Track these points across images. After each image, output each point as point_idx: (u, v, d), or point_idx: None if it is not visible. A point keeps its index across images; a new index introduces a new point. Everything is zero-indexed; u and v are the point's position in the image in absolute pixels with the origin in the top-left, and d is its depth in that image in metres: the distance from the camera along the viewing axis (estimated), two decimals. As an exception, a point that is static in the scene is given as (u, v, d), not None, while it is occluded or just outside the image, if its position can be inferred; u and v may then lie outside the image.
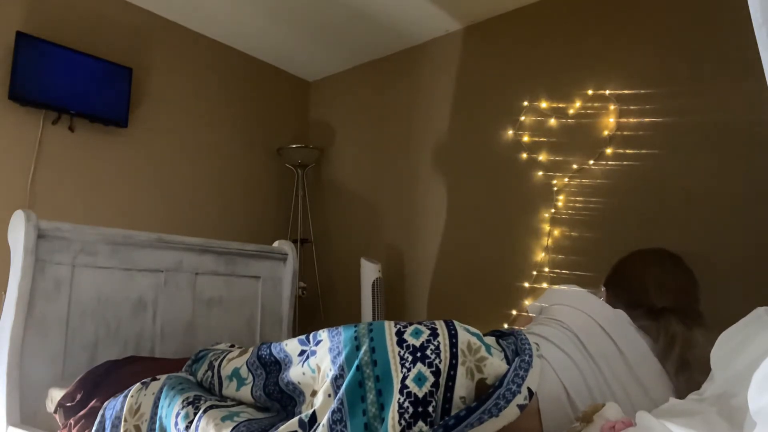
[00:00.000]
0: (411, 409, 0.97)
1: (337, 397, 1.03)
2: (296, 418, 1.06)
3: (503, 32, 2.90)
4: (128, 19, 2.86)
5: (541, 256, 2.60)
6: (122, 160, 2.77)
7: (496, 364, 1.05)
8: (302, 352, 1.20)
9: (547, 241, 2.59)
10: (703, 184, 2.20)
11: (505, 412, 0.95)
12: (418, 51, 3.26)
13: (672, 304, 1.26)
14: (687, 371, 1.13)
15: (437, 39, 3.18)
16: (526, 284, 2.61)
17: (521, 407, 0.96)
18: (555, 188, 2.60)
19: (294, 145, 3.43)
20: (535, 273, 2.60)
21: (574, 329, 1.19)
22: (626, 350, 1.15)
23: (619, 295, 1.35)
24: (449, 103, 3.06)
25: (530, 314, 1.44)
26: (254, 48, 3.40)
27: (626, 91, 2.44)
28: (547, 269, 2.56)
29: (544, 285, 2.56)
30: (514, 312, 2.60)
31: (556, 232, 2.57)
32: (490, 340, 1.13)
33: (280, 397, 1.22)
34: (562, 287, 1.41)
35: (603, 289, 1.43)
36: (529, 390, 0.99)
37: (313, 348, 1.17)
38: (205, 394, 1.28)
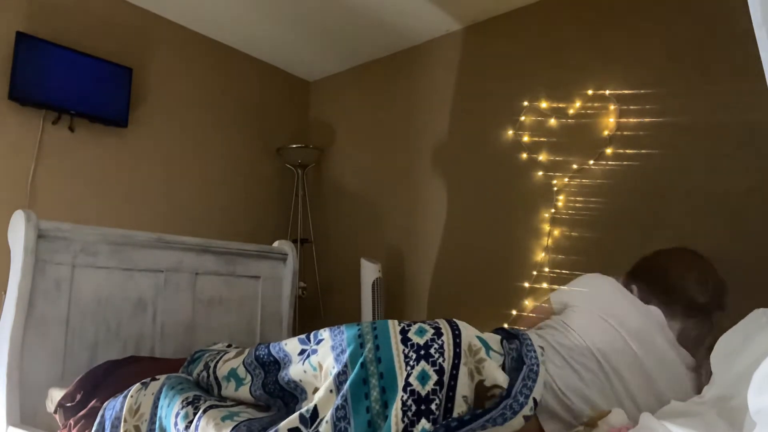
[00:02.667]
0: (414, 407, 0.97)
1: (341, 394, 1.03)
2: (297, 414, 1.06)
3: (503, 32, 2.90)
4: (128, 19, 2.86)
5: (541, 256, 2.60)
6: (122, 160, 2.77)
7: (492, 367, 1.06)
8: (303, 351, 1.20)
9: (547, 241, 2.59)
10: (703, 184, 2.20)
11: (510, 422, 0.96)
12: (418, 51, 3.26)
13: (710, 301, 1.27)
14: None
15: (437, 39, 3.18)
16: (526, 284, 2.61)
17: (527, 418, 0.98)
18: (555, 188, 2.60)
19: (294, 145, 3.43)
20: (535, 273, 2.60)
21: (590, 345, 1.17)
22: (647, 360, 1.14)
23: (654, 292, 1.33)
24: (449, 103, 3.06)
25: (552, 303, 1.42)
26: (254, 48, 3.40)
27: (626, 91, 2.44)
28: (547, 269, 2.56)
29: (544, 285, 2.56)
30: (514, 312, 2.60)
31: (556, 232, 2.57)
32: (494, 340, 1.14)
33: (282, 394, 1.22)
34: (598, 281, 1.36)
35: (634, 287, 1.39)
36: (534, 400, 1.00)
37: (314, 347, 1.17)
38: (204, 394, 1.28)
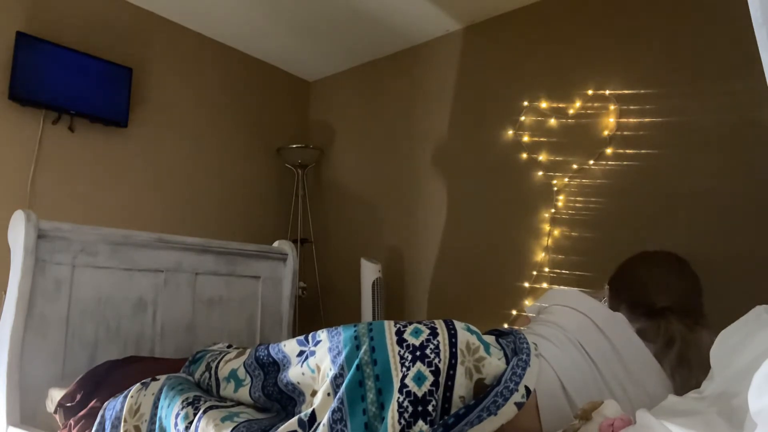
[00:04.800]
0: (411, 408, 0.97)
1: (337, 397, 1.03)
2: (295, 418, 1.06)
3: (503, 32, 2.90)
4: (128, 19, 2.86)
5: (541, 256, 2.60)
6: (122, 160, 2.77)
7: (494, 364, 1.06)
8: (301, 353, 1.20)
9: (547, 241, 2.59)
10: (703, 184, 2.20)
11: (503, 410, 0.96)
12: (418, 51, 3.26)
13: (673, 304, 1.25)
14: (685, 371, 1.13)
15: (437, 39, 3.18)
16: (526, 284, 2.61)
17: (519, 405, 0.97)
18: (555, 188, 2.60)
19: (294, 145, 3.43)
20: (535, 273, 2.60)
21: (572, 330, 1.19)
22: (622, 350, 1.15)
23: (621, 294, 1.35)
24: (449, 103, 3.06)
25: (529, 315, 1.44)
26: (254, 48, 3.40)
27: (626, 91, 2.44)
28: (547, 269, 2.56)
29: (544, 285, 2.56)
30: (514, 312, 2.60)
31: (556, 232, 2.57)
32: (490, 338, 1.14)
33: (280, 398, 1.22)
34: (562, 288, 1.41)
35: (606, 287, 1.43)
36: (527, 388, 1.00)
37: (312, 348, 1.17)
38: (204, 394, 1.28)
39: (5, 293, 1.67)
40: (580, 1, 2.64)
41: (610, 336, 1.17)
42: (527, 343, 1.10)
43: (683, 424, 0.69)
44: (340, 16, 2.97)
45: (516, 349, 1.10)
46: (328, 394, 1.06)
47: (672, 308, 1.24)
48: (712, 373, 0.88)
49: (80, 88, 2.56)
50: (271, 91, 3.58)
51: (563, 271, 2.51)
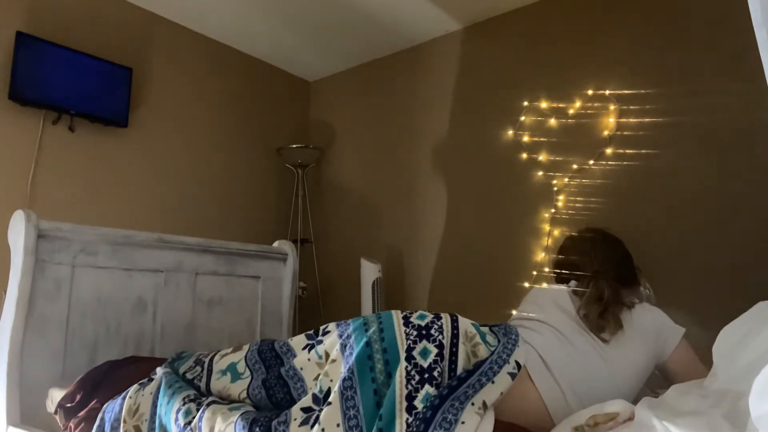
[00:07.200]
0: (417, 376, 1.03)
1: (347, 367, 1.08)
2: (310, 394, 1.10)
3: (503, 32, 2.90)
4: (128, 19, 2.86)
5: (541, 256, 2.60)
6: (122, 160, 2.77)
7: (487, 352, 1.16)
8: (308, 345, 1.24)
9: (547, 241, 2.59)
10: (703, 184, 2.20)
11: (498, 377, 1.05)
12: (418, 51, 3.26)
13: (600, 268, 1.51)
14: (603, 326, 1.27)
15: (437, 39, 3.18)
16: (526, 284, 2.61)
17: (512, 375, 1.07)
18: (555, 188, 2.60)
19: (294, 145, 3.43)
20: (535, 273, 2.60)
21: (549, 321, 1.33)
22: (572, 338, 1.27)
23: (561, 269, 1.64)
24: (449, 103, 3.06)
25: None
26: (254, 48, 3.40)
27: (626, 91, 2.44)
28: (547, 269, 2.56)
29: (544, 285, 2.55)
30: (513, 312, 2.60)
31: (556, 232, 2.57)
32: (484, 329, 1.24)
33: (275, 385, 1.19)
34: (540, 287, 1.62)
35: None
36: (517, 363, 1.10)
37: (321, 338, 1.22)
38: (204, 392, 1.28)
39: (5, 293, 1.67)
40: (580, 1, 2.64)
41: (558, 305, 1.37)
42: (516, 330, 1.24)
43: (687, 424, 0.68)
44: (340, 16, 2.97)
45: (506, 332, 1.23)
46: (334, 361, 1.13)
47: (599, 272, 1.48)
48: (715, 369, 0.87)
49: (80, 88, 2.55)
50: (271, 91, 3.58)
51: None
